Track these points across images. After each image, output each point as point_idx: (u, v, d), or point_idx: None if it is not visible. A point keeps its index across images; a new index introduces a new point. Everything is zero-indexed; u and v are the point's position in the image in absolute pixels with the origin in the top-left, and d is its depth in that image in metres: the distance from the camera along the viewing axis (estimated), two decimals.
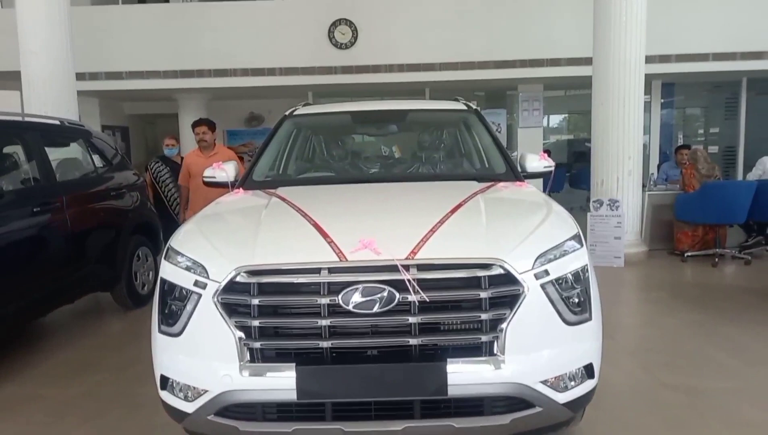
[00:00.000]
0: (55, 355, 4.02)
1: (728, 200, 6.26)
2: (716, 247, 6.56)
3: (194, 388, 2.11)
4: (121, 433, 2.87)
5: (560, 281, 2.13)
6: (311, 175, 3.64)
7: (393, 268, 2.00)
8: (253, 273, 2.05)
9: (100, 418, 3.03)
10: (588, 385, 2.19)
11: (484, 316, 1.99)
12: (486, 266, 2.04)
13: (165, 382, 2.22)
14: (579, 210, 11.01)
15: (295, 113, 3.85)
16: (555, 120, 13.82)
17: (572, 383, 2.15)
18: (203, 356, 2.09)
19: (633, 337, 4.15)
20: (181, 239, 2.39)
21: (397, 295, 1.97)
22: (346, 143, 4.16)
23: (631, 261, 6.49)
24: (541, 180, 3.59)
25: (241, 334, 2.02)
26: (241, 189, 3.12)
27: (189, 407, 2.13)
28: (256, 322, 2.00)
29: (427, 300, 1.97)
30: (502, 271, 2.03)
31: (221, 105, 11.28)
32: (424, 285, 1.99)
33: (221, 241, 2.29)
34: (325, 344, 1.99)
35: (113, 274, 4.82)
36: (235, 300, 2.04)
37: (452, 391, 1.97)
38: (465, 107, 3.87)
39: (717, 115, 11.80)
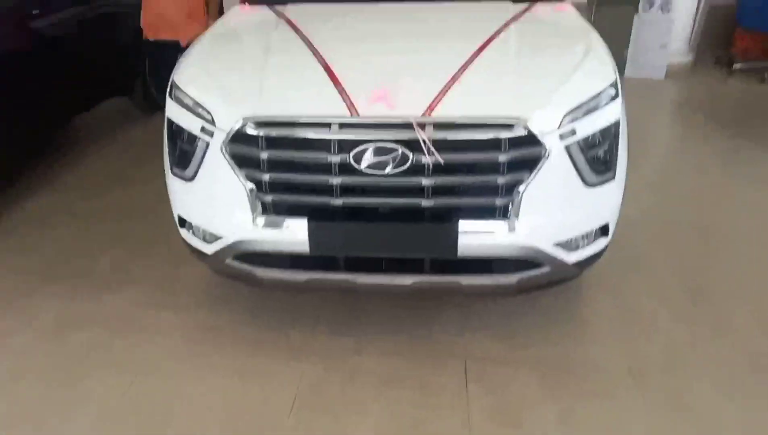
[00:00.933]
0: (84, 165, 4.11)
1: None
2: None
3: (211, 232, 2.15)
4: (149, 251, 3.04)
5: (587, 139, 1.99)
6: None
7: (408, 126, 1.87)
8: (260, 124, 1.94)
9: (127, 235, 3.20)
10: (600, 243, 2.18)
11: (501, 180, 1.91)
12: (508, 126, 1.88)
13: (183, 222, 2.27)
14: (627, 3, 10.01)
15: None
16: None
17: (584, 242, 2.13)
18: (217, 203, 2.09)
19: (658, 168, 4.04)
20: (185, 75, 2.23)
21: (411, 155, 1.87)
22: None
23: (674, 71, 6.04)
24: None
25: (252, 186, 1.99)
26: (246, 4, 2.82)
27: (208, 248, 2.19)
28: (266, 176, 1.95)
29: (442, 163, 1.87)
30: (524, 132, 1.88)
31: None
32: (440, 145, 1.88)
33: (226, 83, 2.13)
34: (336, 201, 1.96)
35: (128, 78, 4.68)
36: (243, 151, 1.97)
37: (462, 252, 1.97)
38: None
39: None
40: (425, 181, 1.90)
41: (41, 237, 3.20)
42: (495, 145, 1.89)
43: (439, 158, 1.86)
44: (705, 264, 2.85)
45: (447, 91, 1.94)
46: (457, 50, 2.16)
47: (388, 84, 1.96)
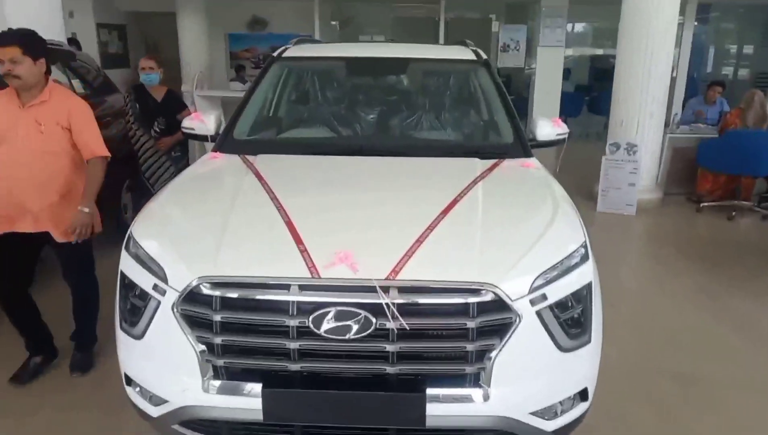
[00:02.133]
0: None
1: (752, 150, 5.86)
2: (736, 198, 6.24)
3: (157, 395, 1.97)
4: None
5: (560, 303, 1.91)
6: (296, 138, 3.26)
7: (371, 289, 1.78)
8: (215, 285, 1.84)
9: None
10: (580, 408, 2.04)
11: (470, 347, 1.79)
12: (475, 291, 1.81)
13: (129, 381, 2.09)
14: (595, 137, 10.59)
15: (284, 55, 3.46)
16: (577, 36, 12.99)
17: (563, 408, 1.99)
18: (165, 366, 1.93)
19: (634, 306, 3.99)
20: (142, 227, 2.16)
21: (375, 320, 1.76)
22: (340, 91, 3.76)
23: (644, 207, 6.21)
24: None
25: (203, 349, 1.85)
26: (218, 152, 2.84)
27: (153, 411, 2.00)
28: (218, 339, 1.82)
29: (407, 329, 1.76)
30: (493, 297, 1.80)
31: (222, 6, 10.58)
32: (406, 309, 1.78)
33: (184, 238, 2.06)
34: (294, 367, 1.82)
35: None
36: (195, 313, 1.84)
37: (431, 422, 1.81)
38: (474, 56, 3.44)
39: (752, 37, 10.97)
40: (389, 347, 1.78)
41: None
42: (463, 310, 1.81)
43: (404, 323, 1.75)
44: (688, 417, 2.69)
45: (412, 254, 1.88)
46: (423, 212, 2.13)
47: (352, 245, 1.90)
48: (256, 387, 1.82)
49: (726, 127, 6.34)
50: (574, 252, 2.01)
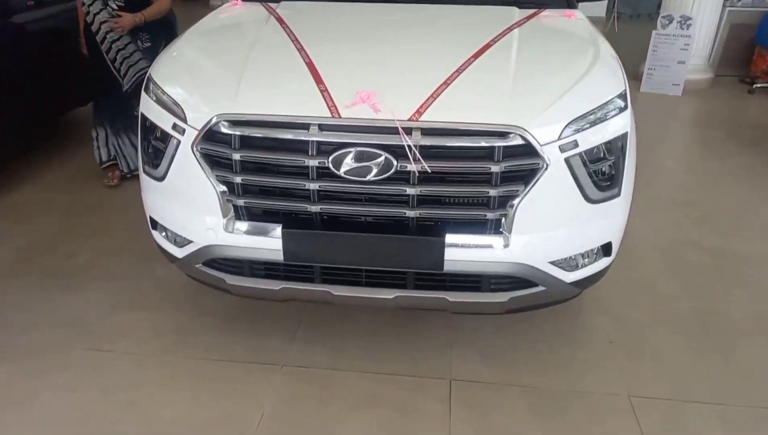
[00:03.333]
0: (67, 161, 4.00)
1: None
2: None
3: (181, 236, 2.01)
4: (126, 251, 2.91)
5: (591, 152, 1.82)
6: None
7: (393, 130, 1.71)
8: (234, 123, 1.80)
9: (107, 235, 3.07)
10: (602, 263, 2.01)
11: (493, 192, 1.74)
12: (503, 135, 1.72)
13: (155, 224, 2.13)
14: (647, 18, 9.83)
15: None
16: None
17: (585, 261, 1.97)
18: (187, 206, 1.95)
19: (672, 185, 3.85)
20: (162, 69, 2.10)
21: (395, 162, 1.71)
22: None
23: (692, 88, 5.84)
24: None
25: (224, 189, 1.84)
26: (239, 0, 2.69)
27: (178, 252, 2.05)
28: (238, 179, 1.81)
29: (429, 171, 1.71)
30: (521, 141, 1.72)
31: None
32: (428, 152, 1.72)
33: (203, 78, 2.00)
34: (313, 208, 1.81)
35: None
36: (215, 151, 1.82)
37: (449, 267, 1.81)
38: None
39: None
40: (410, 190, 1.75)
41: (16, 230, 3.08)
42: (488, 154, 1.74)
43: (426, 166, 1.70)
44: (718, 289, 2.66)
45: (437, 95, 1.78)
46: (453, 54, 2.01)
47: (375, 86, 1.81)
48: (277, 228, 1.83)
49: None
50: (611, 100, 1.88)
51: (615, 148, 1.88)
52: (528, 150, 1.73)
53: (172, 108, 1.92)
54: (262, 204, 1.85)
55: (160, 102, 1.97)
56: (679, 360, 2.21)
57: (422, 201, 1.78)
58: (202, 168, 1.84)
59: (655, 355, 2.23)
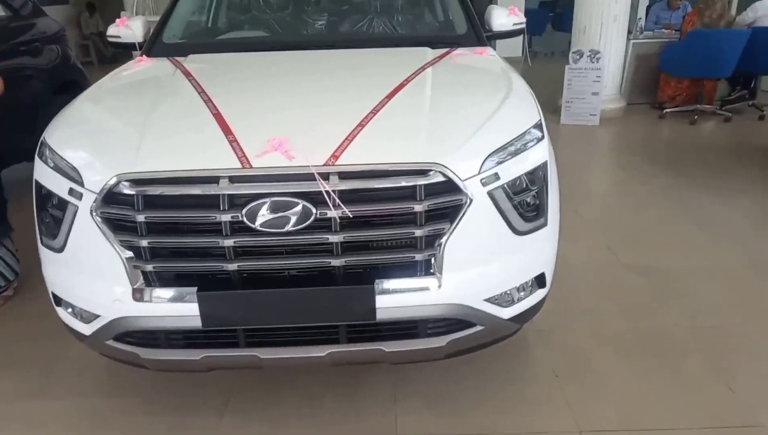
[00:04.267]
0: None
1: (714, 51, 5.75)
2: (698, 102, 6.18)
3: (87, 310, 1.83)
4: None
5: (514, 184, 1.79)
6: (231, 38, 3.02)
7: (309, 177, 1.62)
8: (136, 182, 1.66)
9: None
10: (538, 295, 1.96)
11: (419, 232, 1.67)
12: (423, 172, 1.67)
13: (58, 300, 1.93)
14: (560, 55, 10.37)
15: None
16: None
17: (521, 295, 1.91)
18: (90, 277, 1.77)
19: (598, 209, 3.94)
20: (57, 132, 1.95)
21: (314, 209, 1.62)
22: None
23: (608, 117, 6.12)
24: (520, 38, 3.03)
25: (130, 254, 1.69)
26: (144, 56, 2.59)
27: (86, 329, 1.86)
28: (144, 242, 1.66)
29: (350, 216, 1.62)
30: (441, 178, 1.67)
31: None
32: (348, 197, 1.64)
33: (102, 138, 1.86)
34: (230, 266, 1.67)
35: (36, 141, 4.33)
36: (117, 215, 1.67)
37: (381, 315, 1.71)
38: None
39: None
40: (333, 238, 1.65)
41: None
42: (410, 194, 1.67)
43: (347, 211, 1.61)
44: (653, 306, 2.68)
45: (353, 137, 1.72)
46: (366, 96, 1.96)
47: (287, 132, 1.72)
48: (192, 292, 1.68)
49: (686, 29, 6.20)
50: (527, 130, 1.88)
51: (537, 177, 1.86)
52: (450, 186, 1.68)
53: (68, 172, 1.76)
54: (173, 267, 1.70)
55: (55, 167, 1.81)
56: (624, 386, 2.17)
57: (347, 248, 1.68)
58: (103, 234, 1.68)
59: (601, 384, 2.18)
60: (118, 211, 1.67)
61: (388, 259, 1.70)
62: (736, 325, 2.52)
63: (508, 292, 1.86)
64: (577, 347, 2.39)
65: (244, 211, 1.61)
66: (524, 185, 1.83)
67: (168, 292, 1.71)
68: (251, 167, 1.64)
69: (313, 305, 1.71)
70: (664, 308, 2.66)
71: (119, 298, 1.73)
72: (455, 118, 1.87)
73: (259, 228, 1.62)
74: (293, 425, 2.03)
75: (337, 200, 1.61)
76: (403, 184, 1.66)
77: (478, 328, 1.84)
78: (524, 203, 1.83)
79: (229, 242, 1.65)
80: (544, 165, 1.88)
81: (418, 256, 1.70)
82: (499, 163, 1.76)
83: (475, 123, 1.83)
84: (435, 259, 1.71)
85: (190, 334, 1.79)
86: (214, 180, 1.64)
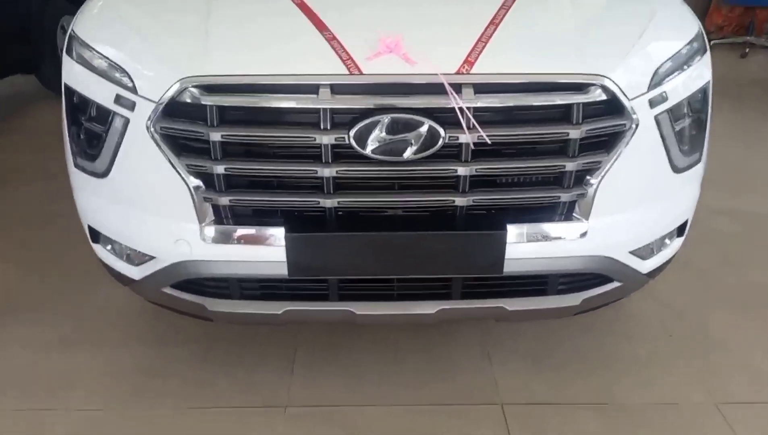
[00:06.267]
0: None
1: None
2: (748, 34, 5.71)
3: (138, 250, 1.47)
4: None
5: (678, 107, 1.42)
6: None
7: (436, 88, 1.24)
8: (209, 89, 1.27)
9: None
10: (675, 245, 1.64)
11: (570, 166, 1.31)
12: (581, 87, 1.29)
13: (96, 236, 1.57)
14: None
15: None
16: None
17: (661, 245, 1.59)
18: (145, 209, 1.41)
19: None
20: (89, 22, 1.52)
21: (442, 132, 1.24)
22: None
23: None
24: None
25: (199, 183, 1.32)
26: None
27: (135, 272, 1.51)
28: (220, 168, 1.29)
29: (489, 142, 1.25)
30: (604, 96, 1.30)
31: None
32: (484, 117, 1.27)
33: (153, 30, 1.43)
34: (328, 202, 1.31)
35: (33, 52, 3.85)
36: (183, 131, 1.29)
37: (510, 267, 1.38)
38: None
39: None
40: (462, 170, 1.29)
41: None
42: (562, 115, 1.30)
43: (484, 135, 1.25)
44: (755, 257, 2.38)
45: (487, 39, 1.32)
46: None
47: (402, 29, 1.32)
48: (277, 232, 1.33)
49: None
50: (691, 40, 1.49)
51: (700, 99, 1.49)
52: (613, 107, 1.31)
53: (113, 75, 1.36)
54: (254, 201, 1.34)
55: (92, 68, 1.40)
56: (750, 349, 1.89)
57: (477, 184, 1.32)
58: (164, 155, 1.30)
59: (723, 347, 1.90)
60: (184, 126, 1.28)
61: (526, 199, 1.35)
62: None
63: (653, 241, 1.53)
64: (685, 304, 2.09)
65: (352, 132, 1.24)
66: (687, 110, 1.46)
67: (246, 232, 1.36)
68: (361, 73, 1.25)
69: (428, 253, 1.37)
70: (764, 255, 2.37)
71: (183, 238, 1.37)
72: (609, 21, 1.47)
73: (370, 154, 1.25)
74: (374, 385, 1.73)
75: (473, 120, 1.24)
76: (558, 101, 1.28)
77: (616, 284, 1.53)
78: (684, 133, 1.47)
79: (329, 172, 1.28)
80: (708, 85, 1.51)
81: (564, 196, 1.35)
82: (667, 80, 1.39)
83: (635, 27, 1.44)
84: (582, 199, 1.36)
85: (270, 283, 1.45)
86: (311, 89, 1.25)
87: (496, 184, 1.36)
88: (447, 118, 1.25)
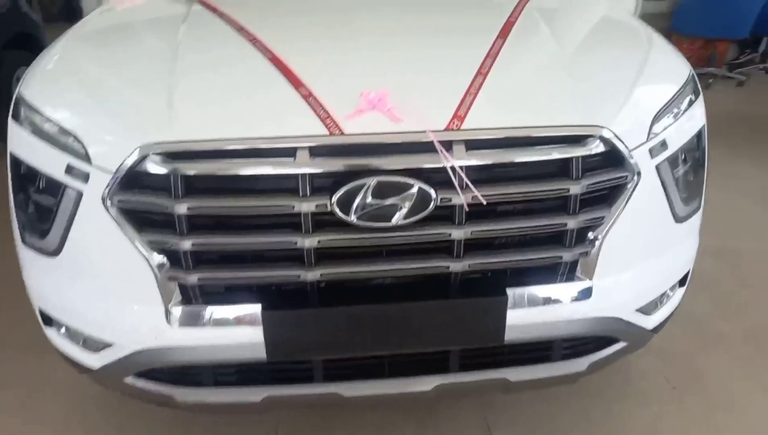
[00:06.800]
0: None
1: (732, 8, 5.40)
2: (710, 65, 5.85)
3: (95, 337, 1.31)
4: None
5: (677, 155, 1.35)
6: None
7: (424, 147, 1.14)
8: (173, 156, 1.14)
9: None
10: (677, 297, 1.54)
11: (571, 223, 1.21)
12: (578, 140, 1.20)
13: (48, 319, 1.40)
14: None
15: None
16: None
17: (664, 299, 1.49)
18: (101, 292, 1.25)
19: None
20: (38, 84, 1.38)
21: (434, 194, 1.13)
22: None
23: None
24: None
25: (163, 261, 1.17)
26: None
27: (93, 360, 1.34)
28: (187, 243, 1.15)
29: (484, 203, 1.15)
30: (603, 148, 1.21)
31: None
32: (477, 175, 1.16)
33: (109, 93, 1.30)
34: (309, 275, 1.18)
35: None
36: (144, 204, 1.15)
37: (511, 334, 1.26)
38: None
39: None
40: (456, 234, 1.17)
41: None
42: (559, 170, 1.20)
43: (479, 196, 1.14)
44: (745, 298, 2.31)
45: (476, 91, 1.23)
46: (473, 37, 1.47)
47: (383, 84, 1.22)
48: (253, 310, 1.19)
49: None
50: (686, 83, 1.43)
51: (696, 146, 1.42)
52: (613, 158, 1.22)
53: (64, 142, 1.22)
54: (227, 278, 1.20)
55: (40, 134, 1.26)
56: (744, 399, 1.80)
57: (470, 246, 1.21)
58: (122, 231, 1.16)
59: (727, 398, 1.80)
60: (145, 199, 1.14)
61: (525, 260, 1.24)
62: None
63: (658, 296, 1.44)
64: (682, 352, 1.99)
65: (334, 198, 1.12)
66: (685, 157, 1.39)
67: (218, 313, 1.21)
68: (342, 133, 1.14)
69: (424, 326, 1.24)
70: (756, 297, 2.31)
71: (147, 322, 1.22)
72: (601, 68, 1.40)
73: (355, 221, 1.13)
74: None
75: (466, 180, 1.13)
76: (556, 156, 1.19)
77: (621, 344, 1.42)
78: (684, 180, 1.39)
79: (310, 242, 1.15)
80: (703, 128, 1.45)
81: (566, 256, 1.24)
82: (665, 127, 1.31)
83: (629, 73, 1.37)
84: (585, 258, 1.26)
85: (248, 367, 1.30)
86: (288, 152, 1.13)
87: (493, 246, 1.24)
88: (438, 178, 1.14)
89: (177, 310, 1.20)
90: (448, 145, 1.14)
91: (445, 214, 1.17)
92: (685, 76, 1.44)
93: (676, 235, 1.40)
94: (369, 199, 1.12)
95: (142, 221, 1.16)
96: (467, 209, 1.16)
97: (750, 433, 1.69)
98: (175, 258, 1.17)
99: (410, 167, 1.13)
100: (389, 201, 1.12)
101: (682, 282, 1.53)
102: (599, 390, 1.83)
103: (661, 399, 1.79)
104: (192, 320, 1.21)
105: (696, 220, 1.46)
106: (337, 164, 1.13)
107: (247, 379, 1.32)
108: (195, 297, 1.21)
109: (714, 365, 1.94)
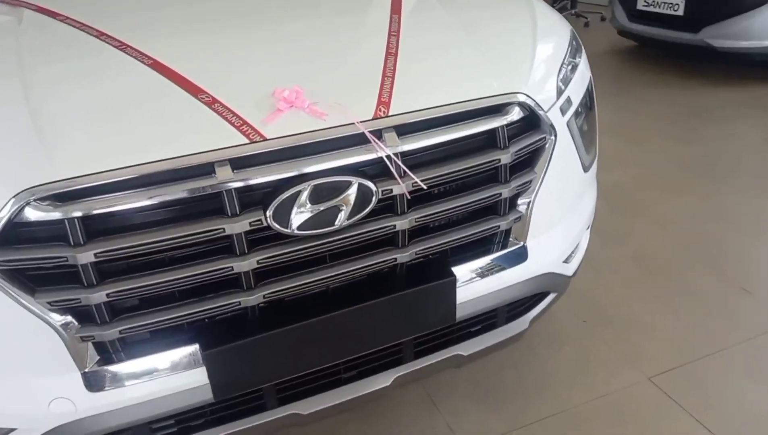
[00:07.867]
0: None
1: None
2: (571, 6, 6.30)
3: None
4: None
5: (579, 109, 1.41)
6: None
7: (355, 140, 1.06)
8: (61, 197, 0.93)
9: None
10: (586, 239, 1.65)
11: (505, 192, 1.21)
12: (499, 109, 1.19)
13: None
14: None
15: None
16: None
17: (578, 245, 1.58)
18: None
19: None
20: None
21: (374, 188, 1.06)
22: None
23: None
24: None
25: (69, 320, 0.98)
26: None
27: None
28: (100, 295, 0.96)
29: (425, 188, 1.10)
30: (521, 113, 1.21)
31: None
32: (413, 160, 1.11)
33: None
34: (251, 300, 1.06)
35: None
36: (34, 260, 0.93)
37: (462, 312, 1.25)
38: None
39: None
40: (400, 224, 1.12)
41: None
42: (486, 142, 1.19)
43: (419, 181, 1.09)
44: (625, 226, 2.56)
45: (392, 72, 1.15)
46: (364, 17, 1.39)
47: (294, 79, 1.10)
48: (190, 351, 1.04)
49: None
50: (570, 40, 1.48)
51: (589, 96, 1.50)
52: (532, 122, 1.24)
53: None
54: (154, 322, 1.03)
55: None
56: (647, 317, 2.00)
57: (417, 234, 1.17)
58: (11, 297, 0.94)
59: (628, 321, 1.98)
60: (35, 254, 0.93)
61: (467, 236, 1.22)
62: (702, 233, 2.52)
63: (576, 244, 1.52)
64: (580, 289, 2.14)
65: (269, 212, 1.00)
66: (583, 109, 1.45)
67: (148, 363, 1.04)
68: (264, 139, 1.01)
69: (377, 324, 1.18)
70: (632, 225, 2.57)
71: (60, 395, 1.02)
72: (499, 37, 1.39)
73: (296, 232, 1.02)
74: None
75: (404, 167, 1.07)
76: (483, 127, 1.16)
77: (552, 295, 1.49)
78: (585, 132, 1.46)
79: (248, 264, 1.02)
80: (591, 80, 1.52)
81: (503, 224, 1.25)
82: (567, 84, 1.36)
83: (526, 39, 1.38)
84: (518, 222, 1.27)
85: (191, 413, 1.15)
86: (205, 169, 0.98)
87: (434, 229, 1.21)
88: (373, 171, 1.07)
89: (96, 372, 1.02)
90: (378, 135, 1.07)
91: (387, 206, 1.11)
92: (568, 34, 1.49)
93: (586, 184, 1.47)
94: (307, 206, 1.02)
95: (36, 280, 0.95)
96: (408, 197, 1.10)
97: (667, 343, 1.86)
98: (84, 315, 0.98)
99: (345, 164, 1.04)
100: (329, 204, 1.03)
101: (587, 226, 1.63)
102: (521, 341, 1.91)
103: (579, 336, 1.92)
104: (117, 379, 1.03)
105: (594, 167, 1.55)
106: (264, 174, 1.00)
107: (191, 427, 1.16)
108: (116, 351, 1.03)
109: (614, 294, 2.11)
